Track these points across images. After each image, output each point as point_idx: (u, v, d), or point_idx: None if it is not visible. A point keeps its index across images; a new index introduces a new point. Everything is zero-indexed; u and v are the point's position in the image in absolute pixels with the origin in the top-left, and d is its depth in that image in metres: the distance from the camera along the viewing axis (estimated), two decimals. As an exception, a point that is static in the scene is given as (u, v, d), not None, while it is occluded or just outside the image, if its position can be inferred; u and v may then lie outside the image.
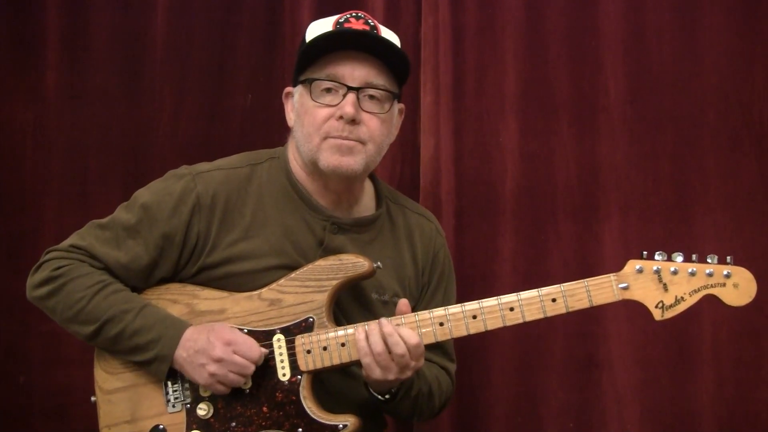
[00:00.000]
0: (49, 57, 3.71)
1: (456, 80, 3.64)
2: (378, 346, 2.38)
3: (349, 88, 2.50)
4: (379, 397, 2.50)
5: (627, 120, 3.56)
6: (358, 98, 2.50)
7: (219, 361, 2.40)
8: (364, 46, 2.51)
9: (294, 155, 2.64)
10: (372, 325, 2.42)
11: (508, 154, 3.61)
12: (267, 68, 3.70)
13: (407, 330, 2.41)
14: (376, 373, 2.40)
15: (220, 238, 2.54)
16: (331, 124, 2.51)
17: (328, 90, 2.52)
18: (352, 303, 2.59)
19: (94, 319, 2.47)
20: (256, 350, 2.43)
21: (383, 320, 2.42)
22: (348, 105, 2.48)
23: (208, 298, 2.52)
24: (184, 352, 2.43)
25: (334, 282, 2.48)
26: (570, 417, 3.56)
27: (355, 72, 2.50)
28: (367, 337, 2.40)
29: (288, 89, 2.67)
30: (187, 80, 3.73)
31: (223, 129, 3.71)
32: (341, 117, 2.49)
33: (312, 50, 2.53)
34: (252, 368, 2.42)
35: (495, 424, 3.60)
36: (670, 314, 2.44)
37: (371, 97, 2.53)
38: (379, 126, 2.54)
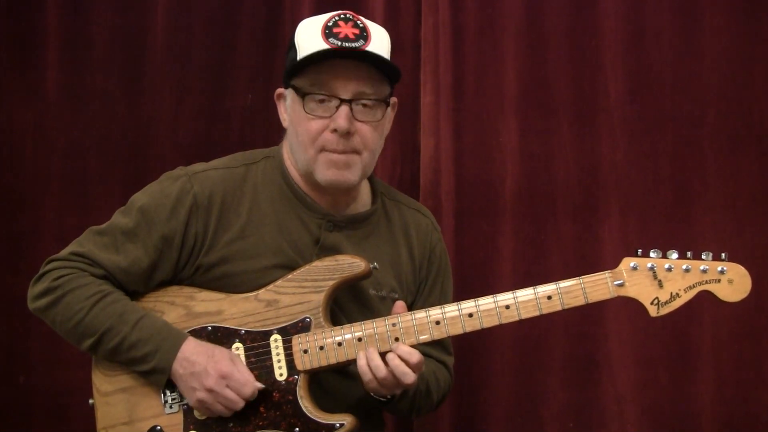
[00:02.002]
0: (49, 57, 3.72)
1: (456, 80, 3.63)
2: (381, 371, 2.40)
3: (342, 101, 2.48)
4: (380, 398, 2.51)
5: (627, 120, 3.55)
6: (351, 108, 2.49)
7: (210, 391, 2.40)
8: (355, 59, 2.50)
9: (289, 155, 2.64)
10: (373, 353, 2.42)
11: (508, 154, 3.61)
12: (267, 68, 3.70)
13: (406, 348, 2.42)
14: (381, 393, 2.45)
15: (217, 237, 2.54)
16: (325, 137, 2.50)
17: (321, 101, 2.50)
18: (349, 300, 2.60)
19: (93, 331, 2.47)
20: (249, 387, 2.42)
21: (391, 359, 2.42)
22: (341, 118, 2.47)
23: (205, 300, 2.52)
24: (181, 369, 2.43)
25: (331, 282, 2.48)
26: (570, 417, 3.56)
27: (347, 84, 2.48)
28: (368, 363, 2.41)
29: (280, 91, 2.65)
30: (187, 80, 3.73)
31: (223, 129, 3.71)
32: (335, 129, 2.48)
33: (303, 63, 2.50)
34: (241, 404, 2.42)
35: (495, 424, 3.60)
36: (665, 311, 2.44)
37: (364, 105, 2.51)
38: (372, 133, 2.53)
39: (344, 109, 2.48)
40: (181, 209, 2.54)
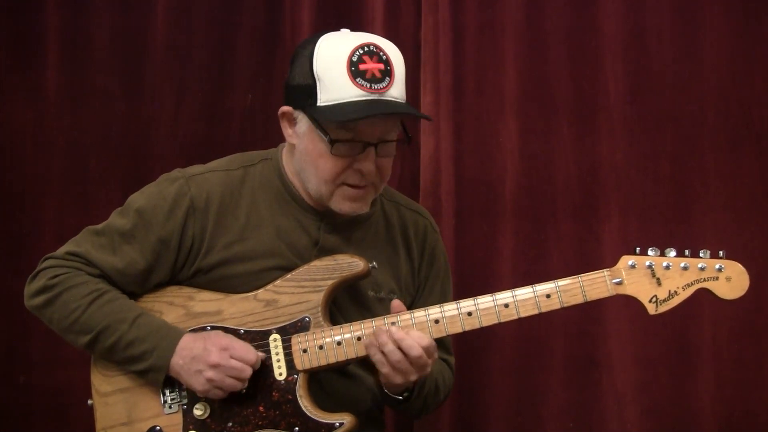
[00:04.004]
0: (49, 57, 3.72)
1: (456, 80, 3.64)
2: (395, 354, 2.37)
3: (369, 144, 2.46)
4: (397, 397, 2.51)
5: (627, 120, 3.56)
6: (375, 150, 2.47)
7: (216, 366, 2.40)
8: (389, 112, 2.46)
9: (288, 161, 2.62)
10: (383, 337, 2.40)
11: (508, 154, 3.61)
12: (267, 68, 3.71)
13: (417, 332, 2.41)
14: (398, 380, 2.40)
15: (215, 240, 2.54)
16: (348, 174, 2.48)
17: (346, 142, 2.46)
18: (348, 301, 2.59)
19: (89, 329, 2.47)
20: (252, 353, 2.43)
21: (393, 328, 2.40)
22: (370, 163, 2.45)
23: (204, 300, 2.52)
24: (181, 360, 2.43)
25: (330, 282, 2.48)
26: (570, 417, 3.57)
27: (375, 130, 2.44)
28: (380, 349, 2.39)
29: (286, 110, 2.55)
30: (187, 80, 3.73)
31: (223, 129, 3.71)
32: (359, 170, 2.47)
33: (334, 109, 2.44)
34: (249, 371, 2.42)
35: (495, 424, 3.60)
36: (663, 308, 2.43)
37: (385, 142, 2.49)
38: (389, 165, 2.54)
39: (371, 152, 2.46)
40: (178, 211, 2.53)
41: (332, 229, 2.59)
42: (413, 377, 2.41)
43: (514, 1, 3.63)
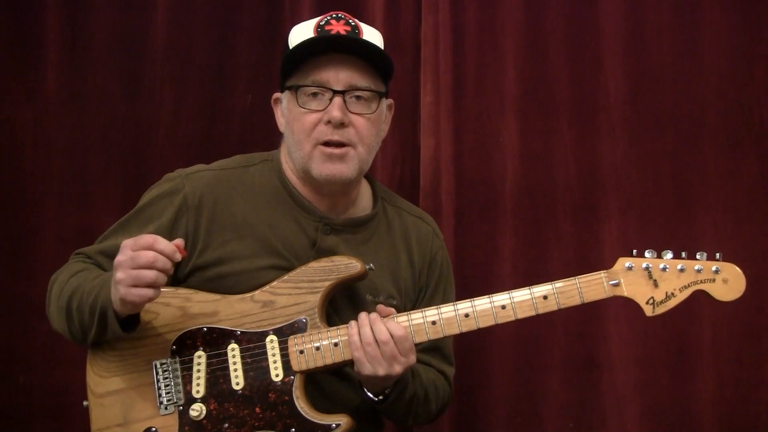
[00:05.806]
0: (49, 57, 3.72)
1: (456, 80, 3.63)
2: (368, 337, 2.39)
3: (335, 92, 2.50)
4: (373, 397, 2.50)
5: (627, 120, 3.56)
6: (344, 101, 2.50)
7: (119, 266, 2.29)
8: (346, 48, 2.52)
9: (286, 159, 2.65)
10: (363, 320, 2.43)
11: (508, 154, 3.61)
12: (267, 68, 3.70)
13: (394, 323, 2.43)
14: (366, 368, 2.40)
15: (211, 238, 2.55)
16: (320, 130, 2.51)
17: (314, 95, 2.52)
18: (346, 304, 2.59)
19: (66, 303, 2.47)
20: (146, 236, 2.30)
21: (373, 314, 2.44)
22: (335, 109, 2.49)
23: (201, 301, 2.52)
24: (113, 288, 2.33)
25: (327, 283, 2.48)
26: (570, 417, 3.56)
27: (339, 75, 2.50)
28: (358, 331, 2.41)
29: (276, 95, 2.68)
30: (187, 80, 3.73)
31: (223, 129, 3.71)
32: (329, 121, 2.49)
33: (295, 57, 2.53)
34: (151, 254, 2.27)
35: (495, 424, 3.60)
36: (660, 310, 2.45)
37: (357, 98, 2.53)
38: (367, 126, 2.55)
39: (337, 100, 2.50)
40: (170, 207, 2.56)
41: (330, 230, 2.60)
42: (381, 371, 2.40)
43: (514, 1, 3.63)
